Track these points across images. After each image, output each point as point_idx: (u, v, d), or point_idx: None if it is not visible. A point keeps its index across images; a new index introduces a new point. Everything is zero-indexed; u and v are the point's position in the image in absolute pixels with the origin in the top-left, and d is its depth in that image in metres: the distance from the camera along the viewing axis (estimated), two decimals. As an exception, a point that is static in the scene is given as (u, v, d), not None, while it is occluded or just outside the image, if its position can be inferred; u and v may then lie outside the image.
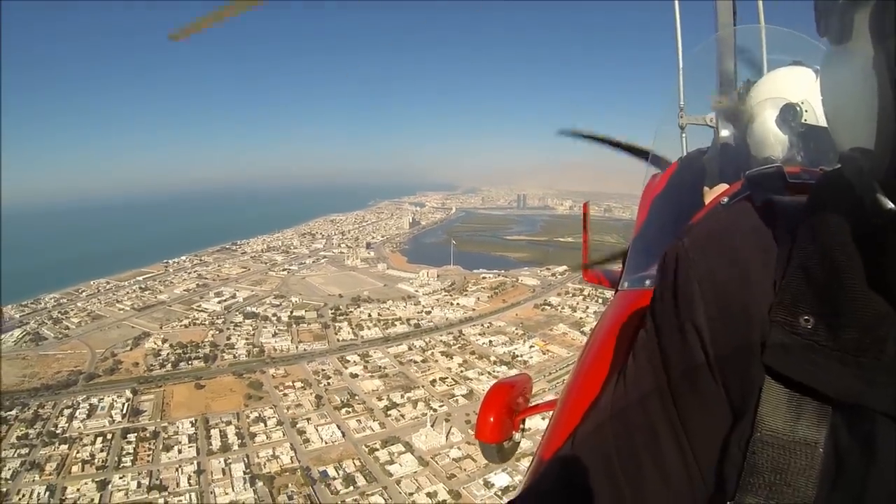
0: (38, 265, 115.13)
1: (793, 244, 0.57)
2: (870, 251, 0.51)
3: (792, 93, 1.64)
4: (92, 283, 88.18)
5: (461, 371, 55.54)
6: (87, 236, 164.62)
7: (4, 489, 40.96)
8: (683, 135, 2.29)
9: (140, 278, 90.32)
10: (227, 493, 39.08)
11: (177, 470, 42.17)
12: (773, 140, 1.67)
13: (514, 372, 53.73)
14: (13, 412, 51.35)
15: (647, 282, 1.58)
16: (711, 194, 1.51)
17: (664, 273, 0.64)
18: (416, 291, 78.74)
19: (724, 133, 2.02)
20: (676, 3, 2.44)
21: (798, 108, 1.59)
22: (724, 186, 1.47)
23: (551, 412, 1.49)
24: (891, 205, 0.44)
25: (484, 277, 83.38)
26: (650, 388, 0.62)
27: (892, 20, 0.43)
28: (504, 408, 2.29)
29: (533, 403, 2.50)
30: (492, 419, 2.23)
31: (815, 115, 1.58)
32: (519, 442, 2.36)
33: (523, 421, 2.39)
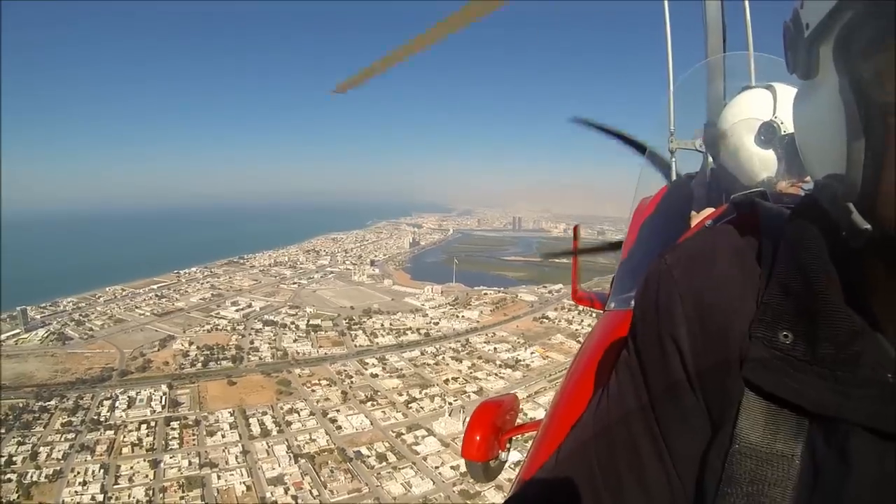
0: (53, 270, 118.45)
1: (773, 263, 0.59)
2: (847, 269, 0.53)
3: (759, 113, 1.69)
4: (108, 289, 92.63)
5: (471, 372, 61.71)
6: (97, 245, 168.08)
7: (60, 468, 45.30)
8: (673, 159, 2.34)
9: (154, 287, 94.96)
10: (273, 469, 44.45)
11: (224, 450, 47.29)
12: (759, 162, 1.68)
13: (518, 374, 60.55)
14: (52, 402, 55.69)
15: (633, 303, 1.43)
16: (698, 218, 1.58)
17: (646, 291, 0.66)
18: (423, 305, 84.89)
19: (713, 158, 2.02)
20: (667, 28, 2.51)
21: (774, 124, 1.62)
22: (710, 210, 1.57)
23: (537, 431, 1.50)
24: (867, 224, 0.46)
25: (485, 293, 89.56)
26: (632, 404, 0.63)
27: (854, 48, 0.47)
28: (490, 426, 2.30)
29: (520, 422, 2.51)
30: (478, 437, 2.25)
31: (789, 125, 1.58)
32: (505, 461, 2.38)
33: (510, 440, 2.39)
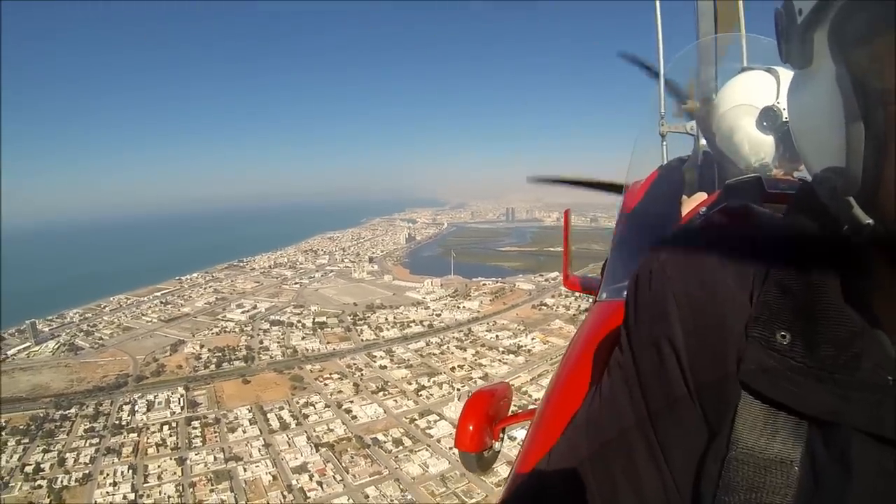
0: (55, 283, 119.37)
1: (770, 259, 0.57)
2: (846, 267, 0.51)
3: (759, 97, 1.62)
4: (112, 299, 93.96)
5: (475, 359, 64.33)
6: (95, 255, 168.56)
7: (89, 471, 47.33)
8: (664, 143, 2.29)
9: (158, 294, 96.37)
10: (296, 458, 46.96)
11: (246, 445, 49.62)
12: (756, 147, 1.62)
13: (521, 359, 63.36)
14: (72, 410, 57.40)
15: (625, 293, 1.22)
16: (690, 203, 1.54)
17: (638, 288, 0.63)
18: (424, 298, 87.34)
19: (705, 142, 1.96)
20: (658, 11, 2.44)
21: (776, 110, 1.56)
22: (702, 196, 1.53)
23: (530, 422, 1.47)
24: (869, 219, 0.45)
25: (484, 284, 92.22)
26: (626, 409, 0.61)
27: (851, 33, 0.45)
28: (484, 416, 2.26)
29: (513, 412, 2.48)
30: (471, 427, 2.21)
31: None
32: (499, 451, 2.34)
33: (503, 430, 2.37)
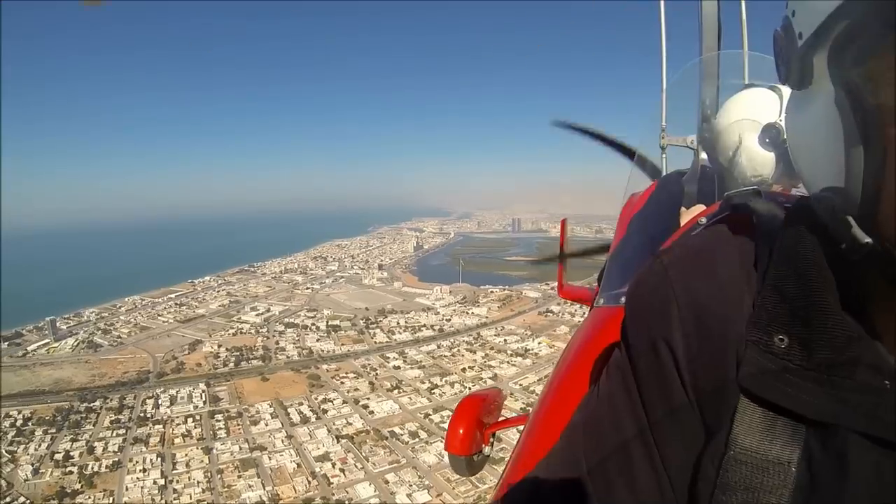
0: (62, 284, 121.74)
1: (769, 264, 0.57)
2: (844, 273, 0.52)
3: (762, 114, 1.66)
4: (126, 299, 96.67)
5: (485, 361, 67.01)
6: (104, 258, 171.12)
7: (118, 459, 49.69)
8: (664, 155, 2.33)
9: (172, 296, 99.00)
10: (318, 448, 49.59)
11: (269, 436, 52.16)
12: (757, 162, 1.66)
13: (528, 361, 66.07)
14: (97, 403, 59.93)
15: (623, 299, 1.24)
16: (688, 215, 1.56)
17: (639, 290, 0.64)
18: (434, 304, 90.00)
19: (704, 155, 2.03)
20: (663, 27, 2.47)
21: (779, 127, 1.59)
22: (700, 207, 1.55)
23: (522, 426, 1.50)
24: (867, 238, 0.46)
25: (492, 291, 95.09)
26: (624, 409, 0.62)
27: (851, 56, 0.45)
28: (474, 420, 2.26)
29: (504, 417, 2.52)
30: (461, 431, 2.21)
31: None
32: (489, 455, 2.34)
33: (494, 434, 2.36)
